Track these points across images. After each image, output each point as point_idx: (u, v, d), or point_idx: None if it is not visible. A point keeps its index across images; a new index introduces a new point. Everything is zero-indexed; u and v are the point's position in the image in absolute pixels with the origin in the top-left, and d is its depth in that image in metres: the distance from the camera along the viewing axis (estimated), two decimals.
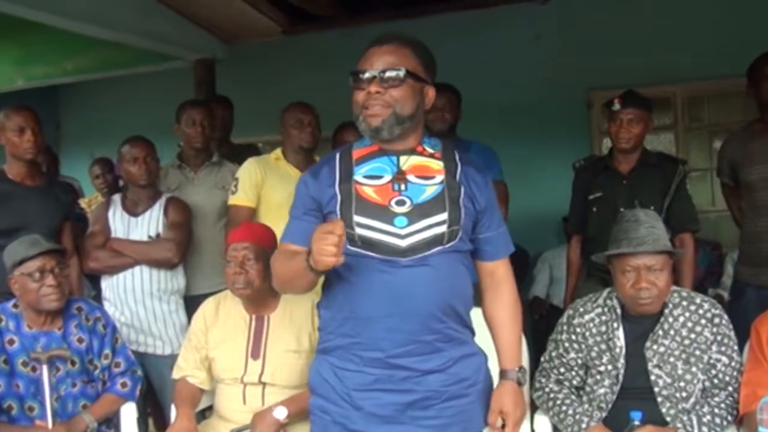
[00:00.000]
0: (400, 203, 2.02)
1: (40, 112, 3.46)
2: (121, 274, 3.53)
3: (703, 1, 5.39)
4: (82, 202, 4.98)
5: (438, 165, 2.10)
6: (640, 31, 5.51)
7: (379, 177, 2.06)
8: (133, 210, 3.61)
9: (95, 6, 4.74)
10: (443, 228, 2.01)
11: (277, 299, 2.91)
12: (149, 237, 3.54)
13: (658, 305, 2.59)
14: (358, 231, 1.99)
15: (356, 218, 2.00)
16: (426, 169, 2.08)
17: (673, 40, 5.40)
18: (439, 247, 2.01)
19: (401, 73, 2.00)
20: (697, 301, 2.63)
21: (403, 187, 2.04)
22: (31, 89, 6.21)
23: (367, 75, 2.01)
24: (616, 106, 3.38)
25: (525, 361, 2.98)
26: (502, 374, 2.18)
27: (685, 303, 2.62)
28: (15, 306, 2.96)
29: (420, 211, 2.01)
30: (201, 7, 5.41)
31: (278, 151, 3.69)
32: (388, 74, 2.00)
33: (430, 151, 2.13)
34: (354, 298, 2.02)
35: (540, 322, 4.92)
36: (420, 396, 2.03)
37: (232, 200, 3.55)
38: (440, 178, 2.07)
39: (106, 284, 3.59)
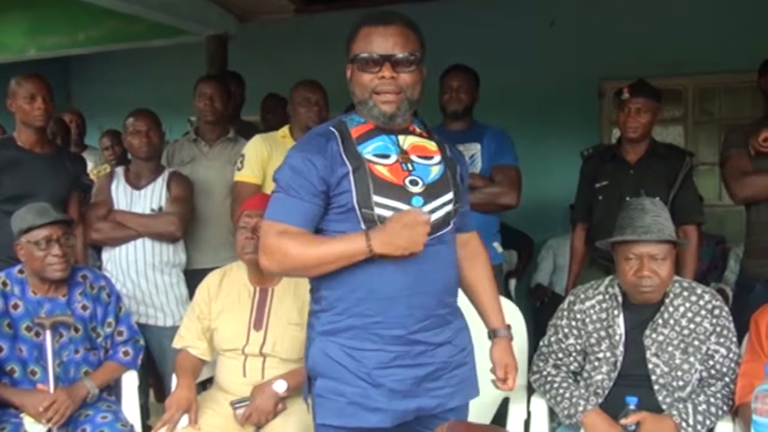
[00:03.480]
0: (414, 183, 2.01)
1: (52, 83, 3.47)
2: (123, 246, 3.55)
3: None
4: (91, 174, 5.00)
5: (432, 145, 2.12)
6: (654, 22, 5.50)
7: (387, 156, 2.03)
8: (135, 183, 3.63)
9: None
10: (451, 206, 2.05)
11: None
12: (152, 210, 3.56)
13: (659, 294, 2.60)
14: (377, 211, 1.95)
15: (375, 198, 1.95)
16: (424, 149, 2.10)
17: (687, 32, 5.39)
18: (450, 226, 2.07)
19: (414, 57, 1.98)
20: (698, 291, 2.63)
21: (410, 166, 2.03)
22: (44, 61, 6.21)
23: (376, 57, 1.96)
24: (625, 95, 3.39)
25: (525, 348, 3.04)
26: (495, 333, 2.29)
27: (686, 293, 2.63)
28: (20, 272, 2.99)
29: (432, 190, 2.03)
30: None
31: (285, 129, 3.69)
32: (401, 57, 1.96)
33: (419, 130, 2.14)
34: (374, 278, 1.97)
35: (541, 309, 4.94)
36: (433, 368, 2.07)
37: (238, 176, 3.56)
38: (438, 158, 2.10)
39: (108, 256, 3.62)
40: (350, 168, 1.97)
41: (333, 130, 2.05)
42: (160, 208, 3.57)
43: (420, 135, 2.12)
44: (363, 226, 1.96)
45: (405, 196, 1.98)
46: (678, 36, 5.39)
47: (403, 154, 2.05)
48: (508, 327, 2.31)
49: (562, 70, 5.71)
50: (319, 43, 5.92)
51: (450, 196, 2.05)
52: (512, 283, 5.25)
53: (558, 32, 5.74)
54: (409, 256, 1.93)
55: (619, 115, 3.45)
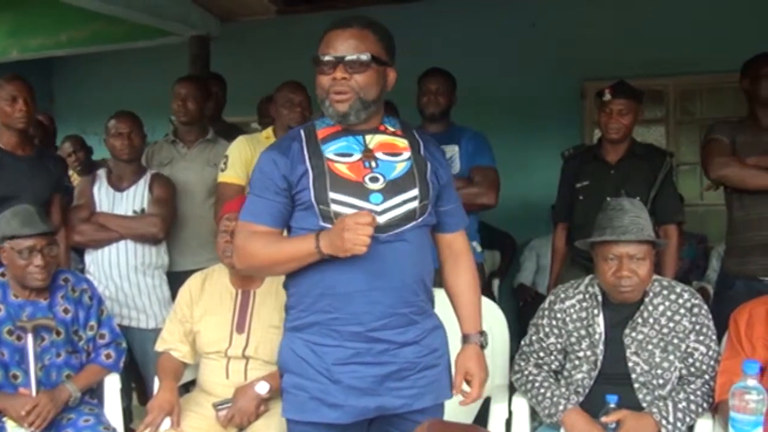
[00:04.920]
0: (374, 180, 2.05)
1: (35, 85, 3.47)
2: (105, 248, 3.55)
3: None
4: None
5: (403, 142, 2.14)
6: (636, 23, 5.53)
7: (349, 155, 2.08)
8: (118, 185, 3.63)
9: None
10: (415, 203, 2.06)
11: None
12: (134, 212, 3.56)
13: (639, 294, 2.62)
14: (334, 207, 2.01)
15: (331, 195, 2.02)
16: (392, 147, 2.12)
17: (668, 33, 5.42)
18: (413, 223, 2.07)
19: (366, 58, 2.01)
20: (678, 290, 2.66)
21: (373, 164, 2.07)
22: (27, 63, 6.19)
23: (329, 59, 2.02)
24: (607, 96, 3.41)
25: (506, 346, 3.05)
26: (465, 338, 2.25)
27: (665, 292, 2.65)
28: (2, 275, 2.97)
29: (394, 187, 2.05)
30: None
31: (269, 130, 3.69)
32: (352, 59, 2.01)
33: (392, 129, 2.17)
34: (331, 274, 2.04)
35: (524, 309, 4.96)
36: (397, 368, 2.08)
37: (222, 177, 3.56)
38: (407, 154, 2.12)
39: (90, 259, 3.61)
40: (309, 166, 2.05)
41: (300, 131, 2.15)
42: (143, 210, 3.57)
43: (393, 134, 2.15)
44: (322, 223, 2.02)
45: (363, 193, 2.03)
46: (660, 37, 5.42)
47: (367, 152, 2.09)
48: (482, 333, 2.26)
49: (545, 71, 5.73)
50: (302, 44, 5.86)
51: (414, 192, 2.06)
52: (495, 283, 5.27)
53: (540, 33, 5.76)
54: (362, 254, 1.96)
55: (600, 116, 3.48)
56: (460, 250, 2.29)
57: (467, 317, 2.27)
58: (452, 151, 3.66)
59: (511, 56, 5.79)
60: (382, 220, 2.02)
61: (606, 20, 5.60)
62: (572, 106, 5.84)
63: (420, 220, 2.08)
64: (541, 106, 5.74)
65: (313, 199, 2.03)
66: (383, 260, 2.02)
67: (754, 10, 5.15)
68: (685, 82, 5.77)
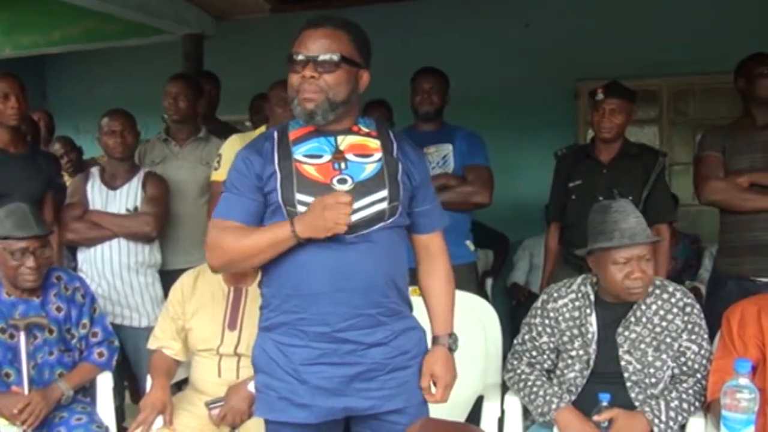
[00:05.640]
0: (342, 181, 2.05)
1: (27, 83, 3.46)
2: (98, 246, 3.54)
3: None
4: None
5: (375, 143, 2.13)
6: (630, 24, 5.55)
7: (319, 156, 2.09)
8: (111, 183, 3.62)
9: None
10: (384, 204, 2.06)
11: (256, 271, 2.91)
12: (127, 210, 3.55)
13: (646, 292, 2.62)
14: (300, 209, 2.02)
15: (298, 196, 2.03)
16: (363, 148, 2.12)
17: (662, 34, 5.44)
18: (381, 224, 2.07)
19: (336, 58, 2.01)
20: (670, 289, 2.66)
21: (343, 165, 2.08)
22: (19, 60, 6.19)
23: (301, 58, 2.02)
24: (600, 96, 3.42)
25: (498, 345, 3.06)
26: (434, 340, 2.24)
27: (658, 291, 2.65)
28: None
29: (362, 188, 2.05)
30: None
31: (263, 129, 3.68)
32: (322, 59, 2.01)
33: (366, 130, 2.16)
34: (298, 275, 2.05)
35: (518, 309, 4.97)
36: (364, 368, 2.09)
37: (215, 176, 3.54)
38: (378, 155, 2.11)
39: (83, 257, 3.60)
40: (277, 168, 2.07)
41: (274, 132, 2.16)
42: (136, 209, 3.56)
43: (366, 134, 2.15)
44: None
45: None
46: (653, 37, 5.44)
47: (337, 153, 2.09)
48: (452, 336, 2.25)
49: (538, 70, 5.74)
50: None
51: (383, 194, 2.06)
52: (489, 282, 5.27)
53: (534, 33, 5.78)
54: (334, 247, 2.00)
55: (593, 116, 3.48)
56: (436, 252, 2.27)
57: (438, 319, 2.26)
58: (446, 149, 3.67)
59: (505, 56, 5.81)
60: (349, 221, 2.01)
61: (600, 21, 5.62)
62: (566, 106, 5.85)
63: (390, 221, 2.08)
64: (535, 106, 5.76)
65: (280, 200, 2.05)
66: (349, 261, 2.03)
67: (746, 10, 5.18)
68: (679, 82, 5.79)
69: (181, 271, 3.16)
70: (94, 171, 3.70)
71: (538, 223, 5.49)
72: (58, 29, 6.05)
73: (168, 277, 3.42)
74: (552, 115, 5.78)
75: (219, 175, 3.52)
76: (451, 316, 2.28)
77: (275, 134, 2.14)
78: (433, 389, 2.20)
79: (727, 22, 5.27)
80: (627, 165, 3.43)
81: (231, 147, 3.56)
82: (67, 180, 4.65)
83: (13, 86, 3.33)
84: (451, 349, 2.23)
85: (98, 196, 3.59)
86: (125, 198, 3.57)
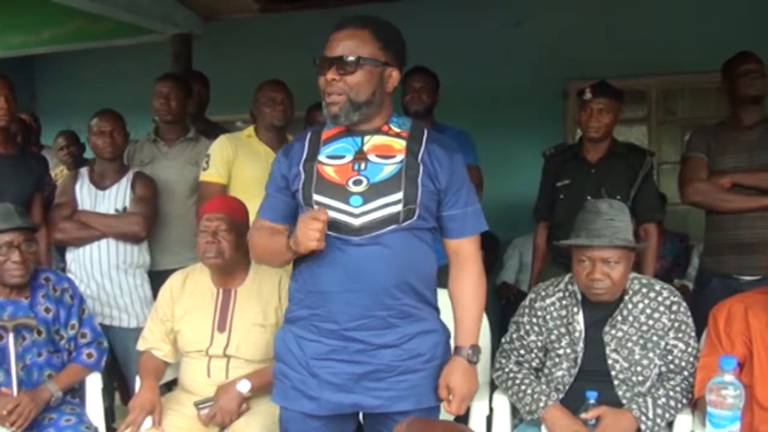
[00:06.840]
0: (357, 183, 2.07)
1: (17, 83, 3.45)
2: (87, 246, 3.53)
3: None
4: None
5: (400, 144, 2.12)
6: (619, 23, 5.56)
7: (342, 157, 2.11)
8: (100, 183, 3.61)
9: None
10: (398, 207, 2.06)
11: (246, 272, 2.93)
12: (116, 210, 3.54)
13: (613, 295, 2.62)
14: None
15: (315, 197, 2.09)
16: (387, 149, 2.11)
17: (651, 33, 5.45)
18: (394, 226, 2.06)
19: (353, 59, 2.01)
20: (657, 288, 2.67)
21: (362, 166, 2.09)
22: (8, 60, 6.15)
23: (321, 60, 2.05)
24: (588, 96, 3.43)
25: (487, 344, 3.06)
26: (456, 350, 2.21)
27: (644, 290, 2.67)
28: None
29: (375, 190, 2.06)
30: None
31: (251, 129, 3.69)
32: (342, 60, 2.01)
33: (396, 130, 2.15)
34: (315, 273, 2.12)
35: (507, 307, 4.97)
36: (373, 368, 2.10)
37: (203, 176, 3.56)
38: (400, 157, 2.10)
39: (72, 257, 3.59)
40: (301, 168, 2.13)
41: (309, 132, 2.23)
42: (125, 209, 3.55)
43: (396, 135, 2.14)
44: None
45: (344, 196, 2.06)
46: (642, 37, 5.46)
47: (359, 154, 2.10)
48: (473, 347, 2.19)
49: (527, 70, 5.75)
50: (285, 42, 5.94)
51: (398, 196, 2.06)
52: None
53: (523, 33, 5.78)
54: (345, 248, 2.06)
55: (581, 115, 3.49)
56: (465, 259, 2.23)
57: (461, 330, 2.21)
58: None
59: (494, 56, 5.81)
60: (358, 222, 2.04)
61: (589, 20, 5.63)
62: (555, 105, 5.86)
63: (405, 224, 2.07)
64: (524, 106, 5.76)
65: (301, 200, 2.12)
66: (359, 263, 2.06)
67: (735, 10, 5.20)
68: (667, 82, 5.81)
69: (171, 271, 3.16)
70: (83, 171, 3.69)
71: (527, 222, 5.48)
72: (47, 29, 6.02)
73: (157, 278, 3.41)
74: (541, 114, 5.78)
75: (208, 175, 3.53)
76: (475, 327, 2.22)
77: (308, 135, 2.20)
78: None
79: (716, 22, 5.28)
80: (615, 164, 3.45)
81: (219, 147, 3.57)
82: (64, 172, 4.66)
83: (2, 87, 3.32)
84: (471, 361, 2.18)
85: (87, 196, 3.58)
86: (114, 198, 3.57)
